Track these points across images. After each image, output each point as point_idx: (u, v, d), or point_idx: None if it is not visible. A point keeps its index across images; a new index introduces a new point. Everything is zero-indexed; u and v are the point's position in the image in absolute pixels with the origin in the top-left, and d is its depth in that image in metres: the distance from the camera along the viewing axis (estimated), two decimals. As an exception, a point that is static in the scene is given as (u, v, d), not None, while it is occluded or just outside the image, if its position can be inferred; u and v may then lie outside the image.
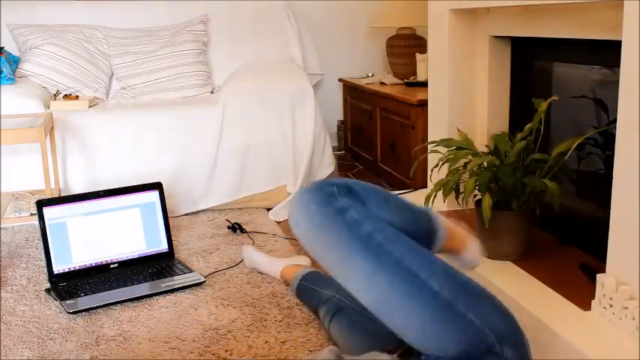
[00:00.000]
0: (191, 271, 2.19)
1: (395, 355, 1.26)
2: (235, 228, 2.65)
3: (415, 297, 1.15)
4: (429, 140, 2.52)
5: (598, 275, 1.51)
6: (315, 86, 3.59)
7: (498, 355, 1.13)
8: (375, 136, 3.49)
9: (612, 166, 1.45)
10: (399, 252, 1.18)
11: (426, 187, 2.69)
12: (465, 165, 1.88)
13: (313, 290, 1.85)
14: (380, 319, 1.21)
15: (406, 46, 3.66)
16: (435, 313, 1.14)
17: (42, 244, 2.11)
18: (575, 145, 1.71)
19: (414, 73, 3.62)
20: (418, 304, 1.15)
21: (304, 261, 2.14)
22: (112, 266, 2.20)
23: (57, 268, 2.12)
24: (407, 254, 1.18)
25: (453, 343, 1.14)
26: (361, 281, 1.18)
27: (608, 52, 1.70)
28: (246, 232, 2.64)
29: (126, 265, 2.22)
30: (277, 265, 2.13)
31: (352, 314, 1.62)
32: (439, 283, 1.16)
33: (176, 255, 2.35)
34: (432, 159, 2.42)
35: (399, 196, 1.38)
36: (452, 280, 1.18)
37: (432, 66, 2.41)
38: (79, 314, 1.94)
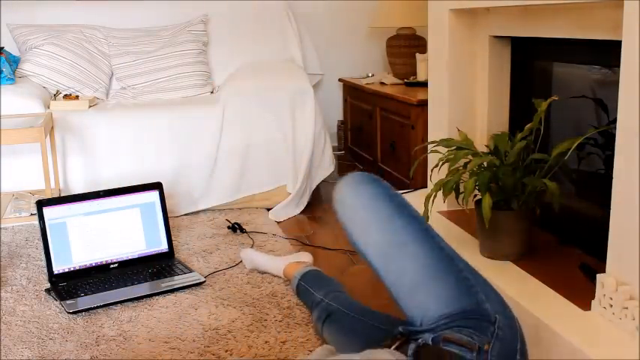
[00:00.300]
0: (191, 271, 2.19)
1: (392, 348, 1.26)
2: (235, 228, 2.64)
3: (424, 241, 1.32)
4: (429, 140, 2.52)
5: (598, 275, 1.51)
6: (315, 86, 3.59)
7: (493, 323, 1.20)
8: (375, 136, 3.48)
9: (612, 166, 1.45)
10: (415, 212, 1.39)
11: (426, 187, 2.69)
12: (465, 165, 1.88)
13: (308, 292, 1.86)
14: (384, 268, 1.33)
15: (406, 46, 3.65)
16: (438, 262, 1.29)
17: (42, 244, 2.11)
18: (575, 145, 1.71)
19: (414, 73, 3.62)
20: (425, 247, 1.31)
21: (306, 257, 2.13)
22: (112, 266, 2.20)
23: (57, 268, 2.12)
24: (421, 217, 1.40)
25: (447, 298, 1.24)
26: (380, 225, 1.36)
27: (608, 52, 1.70)
28: (246, 232, 2.64)
29: (126, 265, 2.22)
30: (280, 262, 2.13)
31: (342, 319, 1.63)
32: (444, 243, 1.34)
33: (176, 255, 2.35)
34: (432, 159, 2.42)
35: None
36: (453, 249, 1.36)
37: (432, 66, 2.41)
38: (79, 314, 1.94)
